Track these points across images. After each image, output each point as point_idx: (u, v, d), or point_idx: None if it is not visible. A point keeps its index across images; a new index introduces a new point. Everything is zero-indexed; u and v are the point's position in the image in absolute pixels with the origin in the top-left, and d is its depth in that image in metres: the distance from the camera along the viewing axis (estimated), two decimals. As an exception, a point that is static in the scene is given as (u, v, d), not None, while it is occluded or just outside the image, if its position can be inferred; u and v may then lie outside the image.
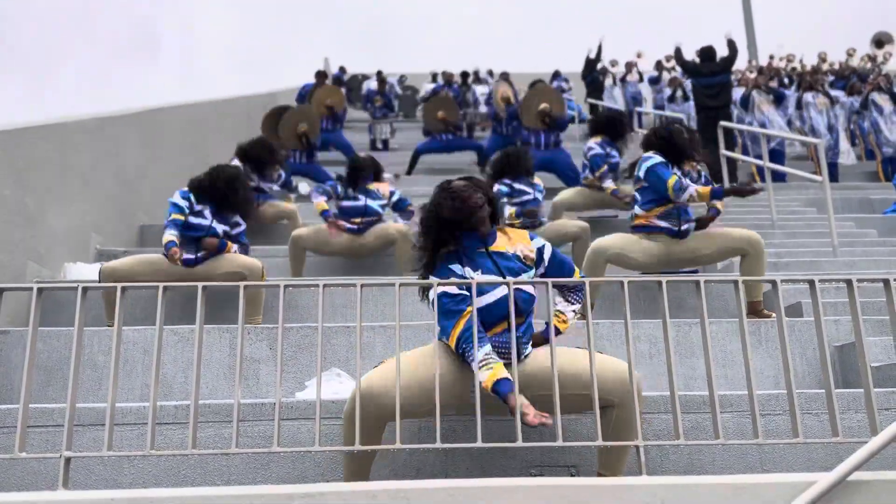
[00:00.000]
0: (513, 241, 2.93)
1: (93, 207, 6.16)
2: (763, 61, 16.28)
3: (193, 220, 4.71)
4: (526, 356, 2.78)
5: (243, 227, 4.97)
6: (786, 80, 13.42)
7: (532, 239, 2.97)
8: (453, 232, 2.84)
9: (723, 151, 8.33)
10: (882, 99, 10.57)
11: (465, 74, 14.22)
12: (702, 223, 4.77)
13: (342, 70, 17.15)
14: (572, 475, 2.99)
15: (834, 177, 9.96)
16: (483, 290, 2.73)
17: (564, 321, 2.95)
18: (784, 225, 6.98)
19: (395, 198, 5.99)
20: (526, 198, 5.87)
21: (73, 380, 2.22)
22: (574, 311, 2.97)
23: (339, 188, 5.87)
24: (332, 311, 4.70)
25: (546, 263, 2.93)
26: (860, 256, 5.85)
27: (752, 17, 20.23)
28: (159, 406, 2.95)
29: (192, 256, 4.70)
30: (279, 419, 2.28)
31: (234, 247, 4.86)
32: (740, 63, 13.37)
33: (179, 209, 4.67)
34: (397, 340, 2.38)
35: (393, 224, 5.88)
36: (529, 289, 2.82)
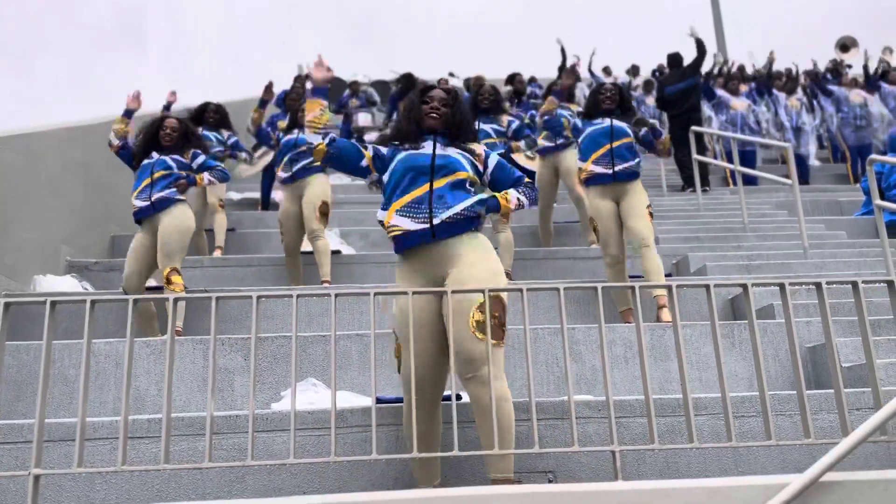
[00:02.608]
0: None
1: (63, 219, 6.06)
2: (731, 60, 16.40)
3: (147, 160, 4.93)
4: (452, 231, 2.86)
5: (203, 157, 5.15)
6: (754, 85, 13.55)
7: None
8: (410, 122, 3.10)
9: (695, 156, 8.41)
10: (854, 94, 10.73)
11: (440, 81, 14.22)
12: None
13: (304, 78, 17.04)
14: (550, 481, 2.99)
15: (805, 178, 10.10)
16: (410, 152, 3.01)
17: (507, 200, 3.04)
18: (755, 228, 7.07)
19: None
20: None
21: (41, 395, 2.18)
22: (519, 198, 3.08)
23: None
24: (308, 321, 4.66)
25: (490, 168, 3.11)
26: (830, 258, 5.94)
27: (721, 13, 20.38)
28: (132, 420, 2.91)
29: (146, 204, 4.81)
30: (254, 431, 2.25)
31: (206, 176, 5.13)
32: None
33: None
34: (372, 350, 2.36)
35: None
36: (456, 155, 2.99)
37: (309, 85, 3.23)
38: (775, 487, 2.07)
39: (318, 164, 5.82)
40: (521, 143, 6.01)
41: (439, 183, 2.91)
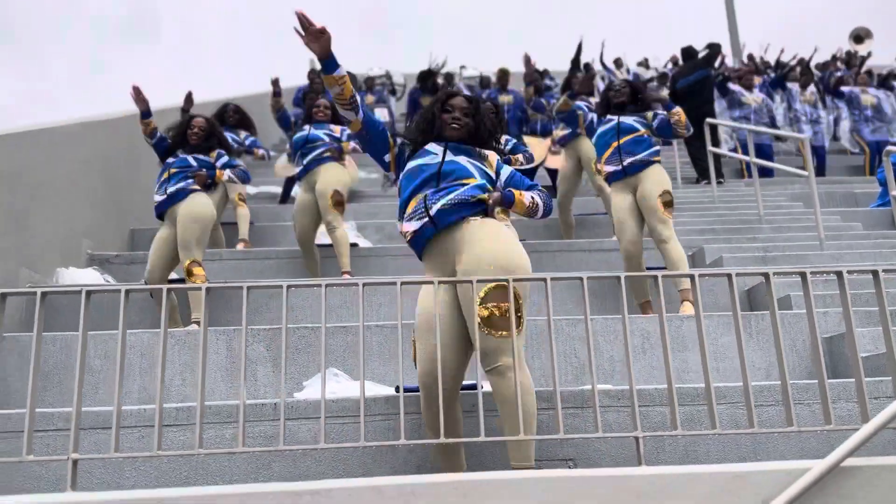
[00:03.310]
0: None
1: (83, 212, 6.14)
2: (746, 54, 16.35)
3: (170, 159, 5.03)
4: (451, 218, 2.83)
5: (227, 157, 5.27)
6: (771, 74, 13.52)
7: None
8: (430, 131, 3.05)
9: (710, 148, 8.41)
10: (867, 97, 10.69)
11: (449, 76, 14.18)
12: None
13: (318, 73, 16.99)
14: (570, 468, 3.04)
15: (821, 170, 10.09)
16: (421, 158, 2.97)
17: (522, 194, 2.98)
18: (771, 220, 7.07)
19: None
20: None
21: (78, 384, 2.24)
22: (534, 198, 3.01)
23: None
24: (328, 311, 4.70)
25: (503, 179, 3.06)
26: (846, 249, 5.93)
27: (734, 7, 20.28)
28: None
29: (164, 197, 4.90)
30: (284, 419, 2.31)
31: (227, 172, 5.20)
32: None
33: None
34: (399, 339, 2.41)
35: None
36: (465, 163, 2.93)
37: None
38: (797, 472, 2.10)
39: (330, 154, 5.87)
40: (520, 157, 6.05)
41: (443, 184, 2.88)
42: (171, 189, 4.86)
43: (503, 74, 10.27)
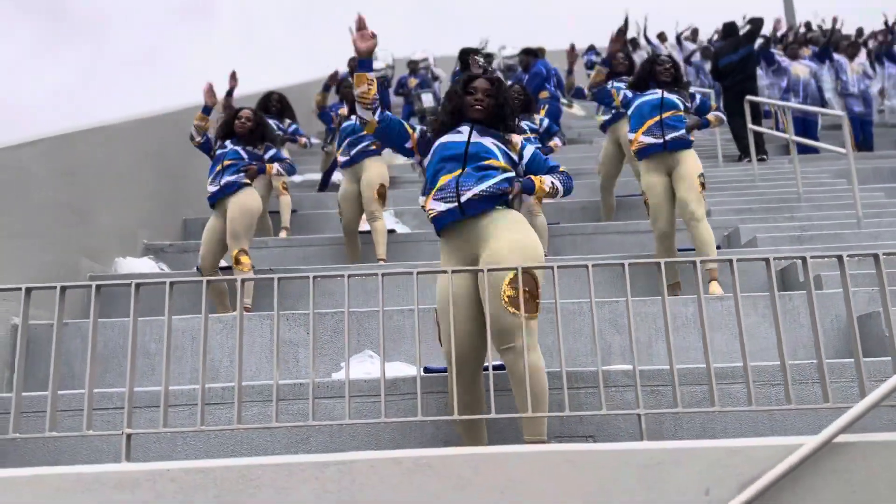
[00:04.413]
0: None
1: (139, 204, 6.50)
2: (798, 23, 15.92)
3: (220, 150, 5.29)
4: (479, 208, 3.00)
5: (275, 150, 5.64)
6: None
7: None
8: (458, 112, 3.19)
9: (750, 126, 8.31)
10: None
11: (489, 56, 14.16)
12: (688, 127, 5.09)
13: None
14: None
15: (868, 144, 9.86)
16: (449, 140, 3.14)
17: (542, 181, 3.14)
18: (810, 197, 6.98)
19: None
20: None
21: (130, 366, 2.49)
22: (553, 183, 3.18)
23: None
24: (366, 297, 4.93)
25: (525, 159, 3.22)
26: (886, 227, 5.85)
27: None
28: (208, 388, 3.24)
29: (217, 188, 5.15)
30: (315, 397, 2.52)
31: (276, 166, 5.57)
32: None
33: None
34: (416, 323, 2.60)
35: None
36: (490, 145, 3.09)
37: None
38: (791, 447, 2.21)
39: (375, 147, 6.10)
40: (557, 140, 6.10)
41: (470, 168, 3.05)
42: (224, 181, 5.13)
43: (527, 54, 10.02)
